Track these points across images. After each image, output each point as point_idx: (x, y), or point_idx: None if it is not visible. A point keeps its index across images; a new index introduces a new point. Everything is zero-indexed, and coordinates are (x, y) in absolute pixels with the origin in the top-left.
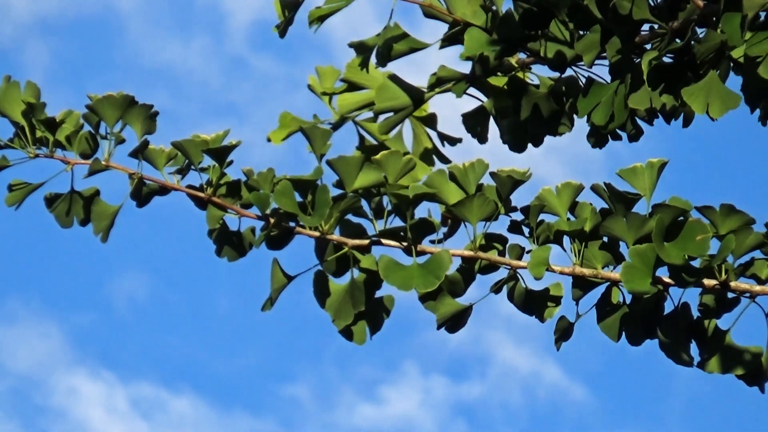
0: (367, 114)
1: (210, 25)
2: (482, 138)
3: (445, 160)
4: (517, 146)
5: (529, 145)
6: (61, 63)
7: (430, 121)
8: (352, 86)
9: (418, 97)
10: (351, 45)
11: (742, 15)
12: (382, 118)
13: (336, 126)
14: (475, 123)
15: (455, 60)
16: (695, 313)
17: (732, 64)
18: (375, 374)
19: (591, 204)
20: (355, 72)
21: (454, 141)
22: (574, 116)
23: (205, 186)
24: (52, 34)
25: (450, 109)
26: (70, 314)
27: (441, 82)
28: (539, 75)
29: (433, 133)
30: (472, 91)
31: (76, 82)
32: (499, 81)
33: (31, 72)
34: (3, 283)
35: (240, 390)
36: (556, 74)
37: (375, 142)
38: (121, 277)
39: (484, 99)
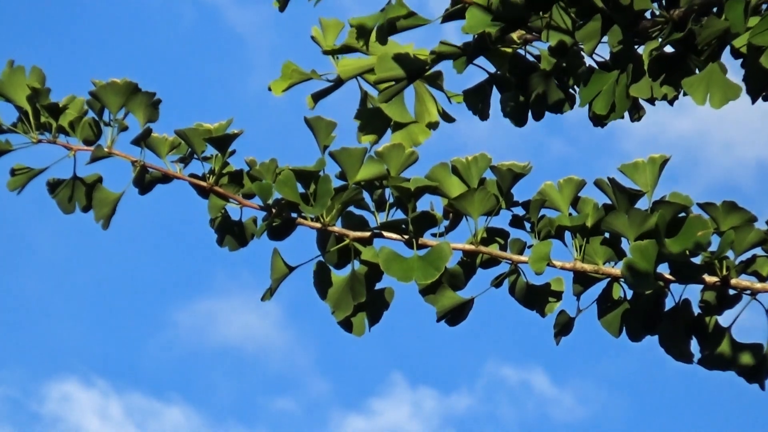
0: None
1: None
2: (483, 114)
3: (449, 119)
4: (518, 121)
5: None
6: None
7: (435, 78)
8: (354, 51)
9: (418, 68)
10: (351, 23)
11: (746, 2)
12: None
13: (337, 83)
14: (476, 99)
15: (458, 31)
16: (696, 310)
17: (735, 53)
18: (364, 386)
19: (593, 199)
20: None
21: (449, 119)
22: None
23: (207, 175)
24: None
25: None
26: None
27: (440, 58)
28: (541, 49)
29: (438, 93)
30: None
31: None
32: (507, 49)
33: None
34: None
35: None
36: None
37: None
38: None
39: (488, 71)
